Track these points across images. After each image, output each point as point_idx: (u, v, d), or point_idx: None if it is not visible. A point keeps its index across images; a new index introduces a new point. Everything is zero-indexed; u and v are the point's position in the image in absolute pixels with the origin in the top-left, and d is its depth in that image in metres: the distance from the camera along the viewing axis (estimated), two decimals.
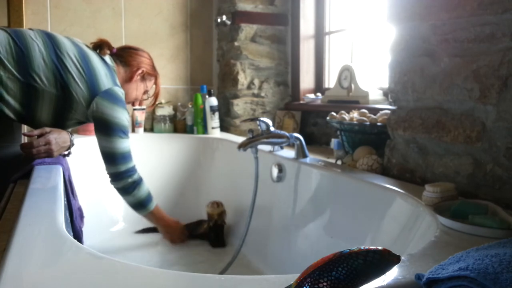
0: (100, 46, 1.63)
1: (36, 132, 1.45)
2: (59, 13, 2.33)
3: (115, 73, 1.61)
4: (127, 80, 1.69)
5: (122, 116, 1.52)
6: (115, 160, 1.54)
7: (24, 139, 1.71)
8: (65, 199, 1.13)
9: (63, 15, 2.35)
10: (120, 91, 1.56)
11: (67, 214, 1.10)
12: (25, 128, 1.74)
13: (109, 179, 1.59)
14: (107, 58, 1.62)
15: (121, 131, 1.52)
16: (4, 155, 1.53)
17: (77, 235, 1.26)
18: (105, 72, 1.55)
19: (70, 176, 1.39)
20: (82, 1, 2.39)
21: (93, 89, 1.48)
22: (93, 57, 1.55)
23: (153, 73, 1.76)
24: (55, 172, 1.23)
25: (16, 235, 0.73)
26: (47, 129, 1.46)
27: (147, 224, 2.14)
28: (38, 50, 1.40)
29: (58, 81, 1.43)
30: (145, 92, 1.77)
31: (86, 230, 1.47)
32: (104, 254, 0.68)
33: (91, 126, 2.31)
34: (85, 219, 1.51)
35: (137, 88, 1.72)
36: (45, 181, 1.13)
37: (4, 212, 0.92)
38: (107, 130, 1.51)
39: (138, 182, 1.60)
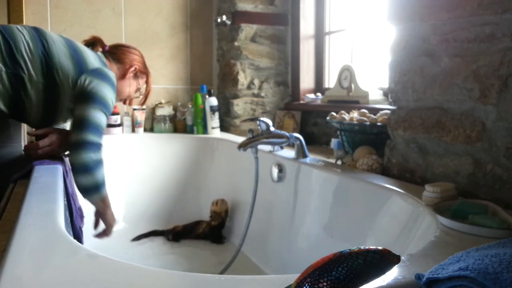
0: (92, 43, 1.62)
1: (40, 131, 1.45)
2: (59, 13, 2.33)
3: (105, 63, 1.59)
4: (120, 77, 1.67)
5: (108, 93, 1.45)
6: (85, 127, 1.38)
7: (25, 140, 1.71)
8: (65, 199, 1.13)
9: (63, 15, 2.35)
10: (110, 72, 1.52)
11: (67, 214, 1.10)
12: (25, 128, 1.74)
13: (69, 149, 1.39)
14: (99, 54, 1.62)
15: (102, 104, 1.43)
16: (3, 155, 1.53)
17: (77, 235, 1.26)
18: (93, 56, 1.53)
19: (70, 176, 1.39)
20: (82, 1, 2.38)
21: (80, 68, 1.45)
22: (82, 46, 1.54)
23: (145, 71, 1.75)
24: (55, 172, 1.23)
25: (16, 235, 0.73)
26: (52, 129, 1.46)
27: (141, 231, 2.15)
28: (24, 39, 1.39)
29: (44, 68, 1.40)
30: (137, 90, 1.76)
31: (86, 230, 1.46)
32: (104, 254, 0.68)
33: None
34: (85, 219, 1.50)
35: (130, 85, 1.71)
36: (45, 181, 1.12)
37: (4, 212, 0.92)
38: (87, 99, 1.42)
39: (101, 163, 1.40)
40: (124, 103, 1.76)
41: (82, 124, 1.38)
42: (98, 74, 1.47)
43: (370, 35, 2.13)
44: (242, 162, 1.99)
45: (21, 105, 1.42)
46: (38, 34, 1.44)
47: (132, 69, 1.68)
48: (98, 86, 1.44)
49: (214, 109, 2.42)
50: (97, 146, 1.39)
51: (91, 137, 1.37)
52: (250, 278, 0.64)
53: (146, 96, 1.81)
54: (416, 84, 1.28)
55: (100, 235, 1.54)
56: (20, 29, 1.42)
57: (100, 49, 1.66)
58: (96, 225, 1.53)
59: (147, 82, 1.78)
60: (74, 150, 1.36)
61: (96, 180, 1.39)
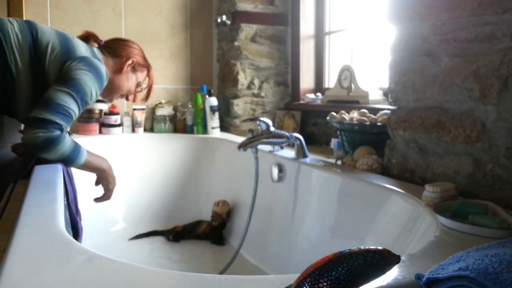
0: (86, 39, 1.58)
1: None
2: (59, 13, 2.33)
3: (96, 55, 1.53)
4: (117, 71, 1.61)
5: (89, 82, 1.38)
6: (43, 105, 1.29)
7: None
8: (65, 199, 1.13)
9: (63, 15, 2.35)
10: (98, 63, 1.45)
11: (67, 214, 1.10)
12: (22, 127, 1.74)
13: (24, 126, 1.30)
14: (95, 49, 1.57)
15: (75, 90, 1.34)
16: (2, 155, 1.52)
17: (77, 235, 1.26)
18: (85, 47, 1.48)
19: (71, 175, 1.39)
20: (82, 1, 2.39)
21: (68, 55, 1.41)
22: (75, 38, 1.50)
23: (144, 64, 1.68)
24: (55, 172, 1.23)
25: (16, 235, 0.73)
26: None
27: (141, 231, 2.15)
28: (13, 30, 1.36)
29: (32, 59, 1.37)
30: (138, 84, 1.69)
31: (86, 230, 1.46)
32: (104, 254, 0.68)
33: (92, 126, 2.33)
34: (85, 219, 1.50)
35: (129, 79, 1.64)
36: (45, 181, 1.12)
37: (4, 212, 0.92)
38: (61, 82, 1.35)
39: (53, 139, 1.28)
40: (127, 99, 1.71)
41: (42, 102, 1.31)
42: (84, 61, 1.41)
43: (370, 35, 2.13)
44: (242, 162, 1.99)
45: (10, 98, 1.39)
46: (29, 25, 1.41)
47: (129, 62, 1.62)
48: (80, 72, 1.38)
49: (214, 109, 2.42)
50: (50, 125, 1.28)
51: (46, 115, 1.28)
52: (250, 278, 0.64)
53: (149, 91, 1.74)
54: (416, 84, 1.28)
55: (99, 199, 1.54)
56: (11, 20, 1.39)
57: (96, 45, 1.62)
58: (96, 183, 1.51)
59: (148, 76, 1.72)
60: (26, 127, 1.29)
61: (58, 156, 1.29)
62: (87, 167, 1.41)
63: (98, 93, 1.44)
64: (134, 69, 1.65)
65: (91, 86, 1.39)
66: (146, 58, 1.71)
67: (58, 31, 1.48)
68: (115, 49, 1.63)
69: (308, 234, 1.56)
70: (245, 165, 1.91)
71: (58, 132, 1.30)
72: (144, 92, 1.75)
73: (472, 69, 1.10)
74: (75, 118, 1.38)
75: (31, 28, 1.40)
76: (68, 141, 1.32)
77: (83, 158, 1.38)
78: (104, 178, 1.49)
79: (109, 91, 1.61)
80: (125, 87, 1.65)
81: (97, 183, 1.51)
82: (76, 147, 1.35)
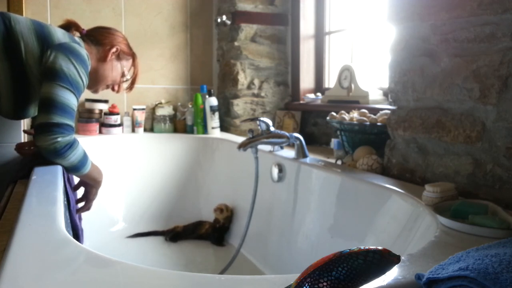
0: (67, 28, 1.53)
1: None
2: (59, 13, 2.33)
3: (75, 39, 1.48)
4: (101, 59, 1.55)
5: (76, 70, 1.35)
6: (50, 108, 1.28)
7: (26, 139, 1.70)
8: (65, 199, 1.13)
9: (63, 15, 2.33)
10: (79, 47, 1.40)
11: (67, 214, 1.10)
12: (25, 126, 1.74)
13: (36, 133, 1.28)
14: (76, 38, 1.52)
15: (67, 81, 1.32)
16: (3, 155, 1.51)
17: (77, 235, 1.26)
18: (62, 32, 1.44)
19: (70, 176, 1.39)
20: (82, 1, 2.39)
21: (45, 43, 1.37)
22: (52, 25, 1.46)
23: (129, 53, 1.62)
24: (55, 172, 1.23)
25: (16, 235, 0.73)
26: None
27: (141, 231, 2.16)
28: None
29: (7, 48, 1.34)
30: (123, 74, 1.62)
31: (86, 230, 1.46)
32: (104, 254, 0.68)
33: (92, 126, 2.33)
34: (85, 219, 1.50)
35: (113, 68, 1.58)
36: (45, 181, 1.12)
37: (4, 212, 0.92)
38: (52, 76, 1.32)
39: (72, 145, 1.29)
40: (113, 90, 1.65)
41: (47, 104, 1.29)
42: (64, 48, 1.37)
43: (370, 35, 2.13)
44: (242, 162, 1.99)
45: None
46: (2, 16, 1.37)
47: (114, 50, 1.56)
48: (64, 62, 1.34)
49: (214, 109, 2.42)
50: (65, 128, 1.28)
51: (58, 118, 1.27)
52: (250, 278, 0.64)
53: (133, 80, 1.68)
54: (416, 84, 1.28)
55: (80, 209, 1.48)
56: None
57: (78, 34, 1.57)
58: (75, 188, 1.47)
59: (134, 65, 1.66)
60: (40, 133, 1.26)
61: (71, 162, 1.30)
62: (88, 176, 1.39)
63: (87, 78, 1.41)
64: (118, 57, 1.59)
65: (81, 75, 1.37)
66: (131, 46, 1.66)
67: (34, 19, 1.43)
68: (98, 37, 1.57)
69: (308, 234, 1.56)
70: (245, 165, 1.91)
71: (73, 135, 1.30)
72: (128, 82, 1.69)
73: (472, 69, 1.10)
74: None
75: (4, 18, 1.36)
76: (80, 146, 1.33)
77: (90, 166, 1.37)
78: (95, 189, 1.46)
79: (94, 81, 1.55)
80: (110, 76, 1.59)
81: (76, 188, 1.47)
82: (86, 154, 1.36)
